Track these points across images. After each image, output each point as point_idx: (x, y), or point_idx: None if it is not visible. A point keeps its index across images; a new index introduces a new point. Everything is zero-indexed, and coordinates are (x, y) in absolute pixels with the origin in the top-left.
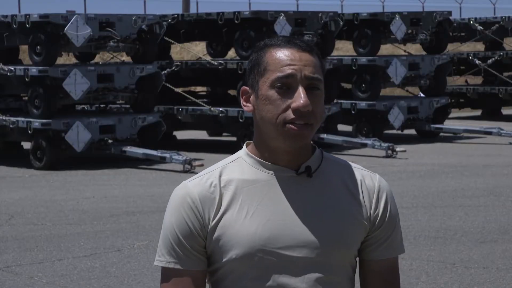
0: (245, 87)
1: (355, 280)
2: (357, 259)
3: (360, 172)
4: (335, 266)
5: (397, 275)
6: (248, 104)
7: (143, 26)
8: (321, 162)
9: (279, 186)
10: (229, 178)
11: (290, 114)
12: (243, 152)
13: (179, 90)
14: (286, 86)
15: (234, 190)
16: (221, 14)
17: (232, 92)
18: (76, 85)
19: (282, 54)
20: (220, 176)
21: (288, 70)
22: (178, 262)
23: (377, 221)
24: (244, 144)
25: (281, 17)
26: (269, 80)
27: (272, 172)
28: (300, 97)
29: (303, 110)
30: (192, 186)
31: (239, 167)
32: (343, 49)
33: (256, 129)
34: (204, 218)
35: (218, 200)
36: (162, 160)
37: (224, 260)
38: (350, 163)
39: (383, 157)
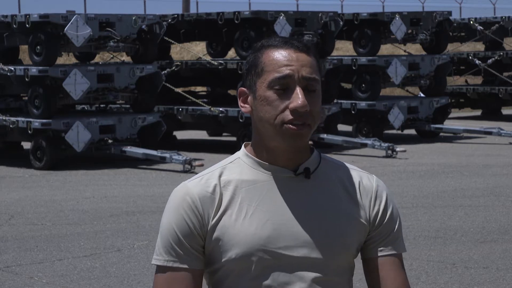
0: (242, 88)
1: (353, 281)
2: (356, 260)
3: (357, 173)
4: (334, 266)
5: (403, 273)
6: (245, 105)
7: (143, 26)
8: (319, 164)
9: (278, 187)
10: (228, 179)
11: (288, 115)
12: (242, 153)
13: (179, 90)
14: (283, 86)
15: (233, 191)
16: (221, 14)
17: (232, 92)
18: (76, 85)
19: (279, 54)
20: (219, 176)
21: (286, 71)
22: (177, 260)
23: (377, 220)
24: (243, 145)
25: (281, 17)
26: (267, 81)
27: (271, 172)
28: (298, 97)
29: (301, 111)
30: (192, 186)
31: (238, 167)
32: (343, 49)
33: (254, 129)
34: (203, 218)
35: (218, 200)
36: (162, 160)
37: (223, 260)
38: (347, 164)
39: (383, 157)
